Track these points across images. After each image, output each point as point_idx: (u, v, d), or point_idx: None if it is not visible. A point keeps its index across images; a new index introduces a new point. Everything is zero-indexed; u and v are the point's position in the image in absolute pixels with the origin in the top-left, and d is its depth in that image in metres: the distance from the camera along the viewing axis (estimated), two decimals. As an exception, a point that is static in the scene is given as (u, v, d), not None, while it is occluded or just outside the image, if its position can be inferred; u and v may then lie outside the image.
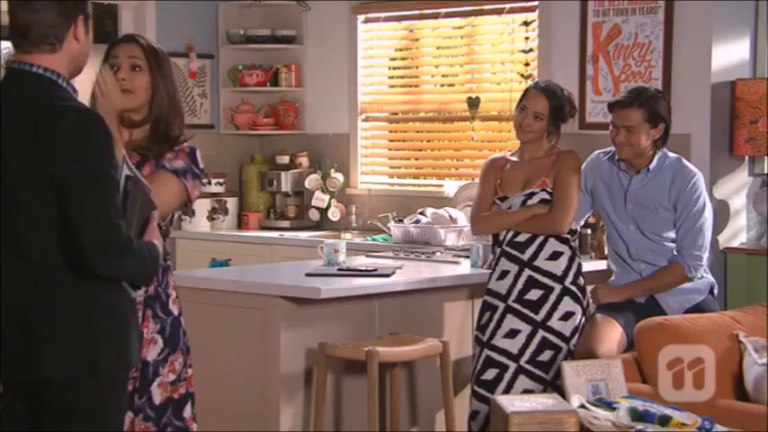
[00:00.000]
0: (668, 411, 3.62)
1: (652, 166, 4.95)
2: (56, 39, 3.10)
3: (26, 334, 3.02)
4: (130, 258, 3.05)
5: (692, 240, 4.88)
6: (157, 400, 3.58)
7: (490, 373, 4.79)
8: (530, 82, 6.09)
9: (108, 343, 3.07)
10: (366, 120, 7.49)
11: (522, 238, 4.85)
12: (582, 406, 3.72)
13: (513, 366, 4.77)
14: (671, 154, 5.00)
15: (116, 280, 3.08)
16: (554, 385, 4.68)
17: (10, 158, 3.03)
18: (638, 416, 3.61)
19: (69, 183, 2.98)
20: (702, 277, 4.98)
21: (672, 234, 4.93)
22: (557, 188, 4.83)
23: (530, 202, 4.85)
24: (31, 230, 3.03)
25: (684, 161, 5.01)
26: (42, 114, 3.02)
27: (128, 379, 3.23)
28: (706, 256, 4.91)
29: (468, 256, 5.57)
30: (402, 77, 7.46)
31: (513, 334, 4.79)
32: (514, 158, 4.98)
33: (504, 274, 4.86)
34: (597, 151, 5.18)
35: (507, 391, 4.71)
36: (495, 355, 4.80)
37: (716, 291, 5.03)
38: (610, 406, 3.71)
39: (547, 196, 4.84)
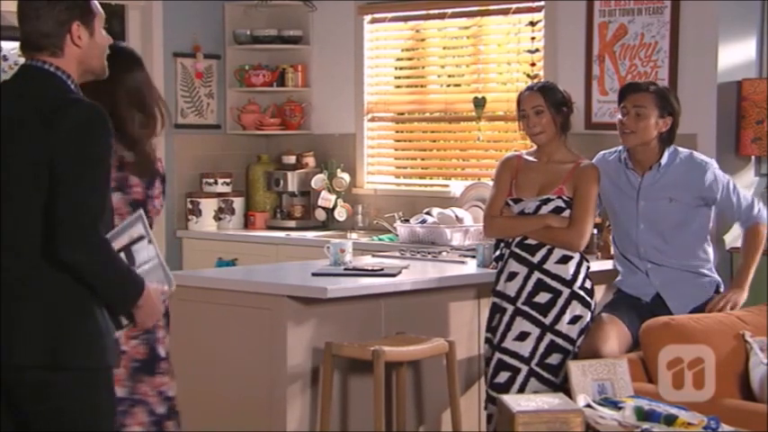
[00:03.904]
0: (674, 411, 3.63)
1: (663, 161, 4.96)
2: (54, 46, 3.15)
3: (10, 327, 3.05)
4: (94, 252, 3.05)
5: (746, 204, 5.00)
6: None
7: (502, 377, 4.79)
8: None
9: (90, 339, 3.09)
10: (372, 120, 7.49)
11: (532, 240, 4.83)
12: (588, 405, 3.73)
13: (524, 369, 4.77)
14: (681, 149, 5.02)
15: (87, 279, 3.07)
16: (563, 389, 4.67)
17: (14, 148, 3.06)
18: (643, 415, 3.62)
19: (62, 170, 3.02)
20: (709, 276, 5.00)
21: (682, 231, 4.93)
22: (576, 202, 4.80)
23: (544, 207, 4.81)
24: (24, 222, 3.06)
25: (696, 154, 5.04)
26: (49, 106, 3.06)
27: (112, 377, 3.21)
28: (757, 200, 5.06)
29: (474, 256, 5.57)
30: (408, 77, 7.46)
31: (523, 336, 4.79)
32: (531, 158, 4.94)
33: (512, 275, 4.85)
34: (602, 152, 5.19)
35: (520, 393, 4.70)
36: (506, 358, 4.79)
37: (722, 290, 5.04)
38: (616, 405, 3.72)
39: (562, 204, 4.80)
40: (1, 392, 3.11)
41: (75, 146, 3.03)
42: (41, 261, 3.06)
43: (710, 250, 5.04)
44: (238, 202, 7.62)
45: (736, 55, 6.10)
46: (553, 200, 4.81)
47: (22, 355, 3.05)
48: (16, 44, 6.34)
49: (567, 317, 4.78)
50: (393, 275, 5.08)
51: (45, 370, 3.05)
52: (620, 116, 5.00)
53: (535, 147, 4.97)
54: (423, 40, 7.36)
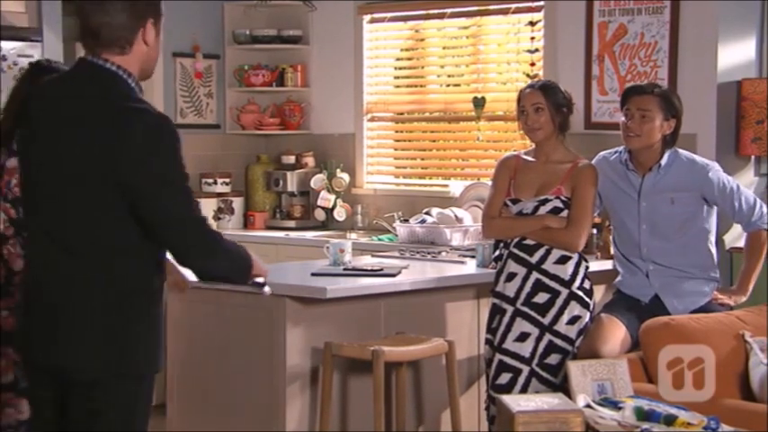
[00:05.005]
0: (674, 411, 3.62)
1: (663, 162, 4.96)
2: (125, 41, 3.11)
3: (62, 327, 3.06)
4: (225, 252, 3.18)
5: (747, 209, 4.95)
6: None
7: (504, 378, 4.78)
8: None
9: (140, 346, 3.11)
10: (372, 120, 7.49)
11: (530, 240, 4.83)
12: (587, 405, 3.73)
13: (526, 370, 4.77)
14: (682, 151, 5.02)
15: (216, 277, 3.24)
16: (563, 389, 4.66)
17: (75, 152, 3.04)
18: (643, 415, 3.61)
19: (145, 186, 3.02)
20: (711, 279, 4.99)
21: (685, 232, 4.93)
22: (574, 203, 4.79)
23: (542, 208, 4.81)
24: (84, 227, 3.05)
25: (697, 157, 5.04)
26: (116, 114, 3.03)
27: (153, 382, 3.25)
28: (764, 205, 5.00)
29: (473, 256, 5.57)
30: (408, 77, 7.46)
31: (523, 337, 4.78)
32: (530, 158, 4.93)
33: (511, 276, 4.85)
34: (602, 153, 5.18)
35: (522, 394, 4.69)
36: (507, 360, 4.79)
37: (723, 293, 5.05)
38: (615, 405, 3.71)
39: (560, 204, 4.80)
40: (43, 393, 3.13)
41: (151, 161, 3.02)
42: (97, 264, 3.06)
43: (714, 252, 5.03)
44: (238, 202, 7.62)
45: (736, 55, 6.10)
46: (551, 200, 4.81)
47: (76, 361, 3.07)
48: (16, 44, 6.32)
49: (565, 317, 4.78)
50: (393, 275, 5.08)
51: (97, 373, 3.07)
52: (623, 119, 4.98)
53: (533, 146, 4.97)
54: (422, 39, 7.36)
